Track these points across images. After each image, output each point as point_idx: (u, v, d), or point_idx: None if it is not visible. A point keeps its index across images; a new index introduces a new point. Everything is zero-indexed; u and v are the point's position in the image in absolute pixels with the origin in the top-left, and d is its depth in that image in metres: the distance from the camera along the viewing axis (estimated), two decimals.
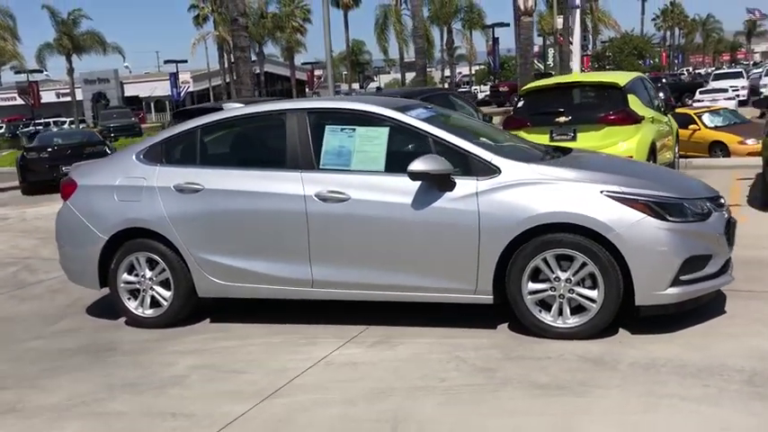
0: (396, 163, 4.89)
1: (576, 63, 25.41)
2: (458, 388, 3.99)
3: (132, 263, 5.45)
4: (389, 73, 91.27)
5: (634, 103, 8.95)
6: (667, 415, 3.51)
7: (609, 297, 4.44)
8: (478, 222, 4.58)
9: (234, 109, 5.73)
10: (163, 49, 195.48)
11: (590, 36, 41.35)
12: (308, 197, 4.93)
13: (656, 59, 64.43)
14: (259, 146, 5.68)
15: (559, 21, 33.79)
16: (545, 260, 4.54)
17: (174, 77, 51.71)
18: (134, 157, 5.57)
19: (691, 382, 3.81)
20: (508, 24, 41.81)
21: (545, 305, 4.62)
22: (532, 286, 4.59)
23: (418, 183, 4.71)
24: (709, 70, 54.33)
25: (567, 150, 5.57)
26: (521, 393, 3.86)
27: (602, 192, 4.47)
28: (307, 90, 59.60)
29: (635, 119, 8.72)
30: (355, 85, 66.24)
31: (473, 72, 73.11)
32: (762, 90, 26.29)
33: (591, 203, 4.44)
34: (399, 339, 4.80)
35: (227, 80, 56.09)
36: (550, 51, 47.35)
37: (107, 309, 6.02)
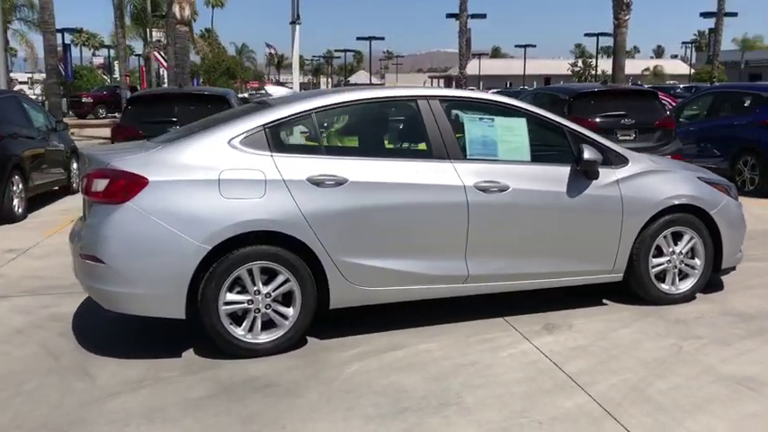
0: (536, 153, 5.03)
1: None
2: (700, 349, 4.46)
3: (240, 277, 4.30)
4: None
5: None
6: None
7: (707, 264, 5.42)
8: (622, 206, 5.07)
9: (347, 91, 4.82)
10: None
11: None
12: (468, 188, 4.69)
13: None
14: (391, 133, 5.03)
15: (158, 35, 33.05)
16: (665, 237, 5.28)
17: None
18: (227, 143, 4.38)
19: None
20: (80, 30, 38.79)
21: (657, 277, 5.35)
22: (654, 261, 5.28)
23: (568, 171, 4.96)
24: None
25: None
26: (751, 344, 4.55)
27: (698, 178, 5.43)
28: None
29: None
30: None
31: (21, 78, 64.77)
32: None
33: (699, 188, 5.36)
34: (560, 322, 4.96)
35: None
36: (116, 64, 45.62)
37: (125, 343, 4.59)
